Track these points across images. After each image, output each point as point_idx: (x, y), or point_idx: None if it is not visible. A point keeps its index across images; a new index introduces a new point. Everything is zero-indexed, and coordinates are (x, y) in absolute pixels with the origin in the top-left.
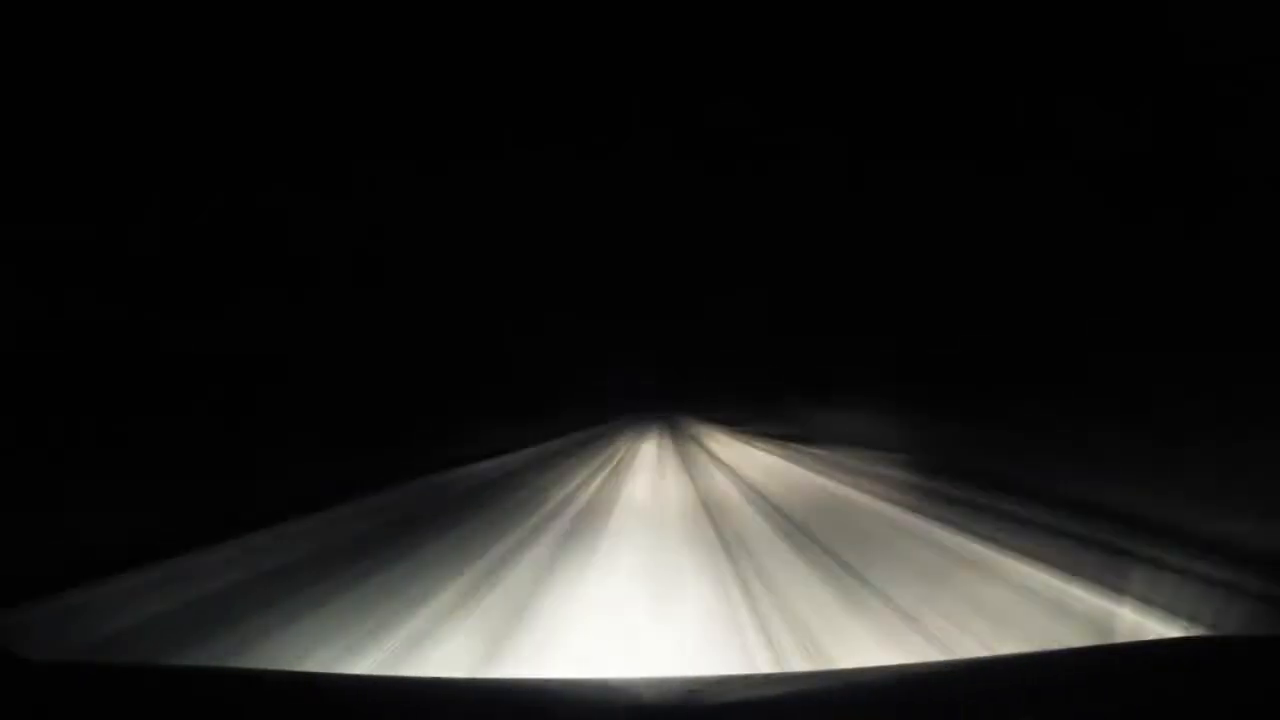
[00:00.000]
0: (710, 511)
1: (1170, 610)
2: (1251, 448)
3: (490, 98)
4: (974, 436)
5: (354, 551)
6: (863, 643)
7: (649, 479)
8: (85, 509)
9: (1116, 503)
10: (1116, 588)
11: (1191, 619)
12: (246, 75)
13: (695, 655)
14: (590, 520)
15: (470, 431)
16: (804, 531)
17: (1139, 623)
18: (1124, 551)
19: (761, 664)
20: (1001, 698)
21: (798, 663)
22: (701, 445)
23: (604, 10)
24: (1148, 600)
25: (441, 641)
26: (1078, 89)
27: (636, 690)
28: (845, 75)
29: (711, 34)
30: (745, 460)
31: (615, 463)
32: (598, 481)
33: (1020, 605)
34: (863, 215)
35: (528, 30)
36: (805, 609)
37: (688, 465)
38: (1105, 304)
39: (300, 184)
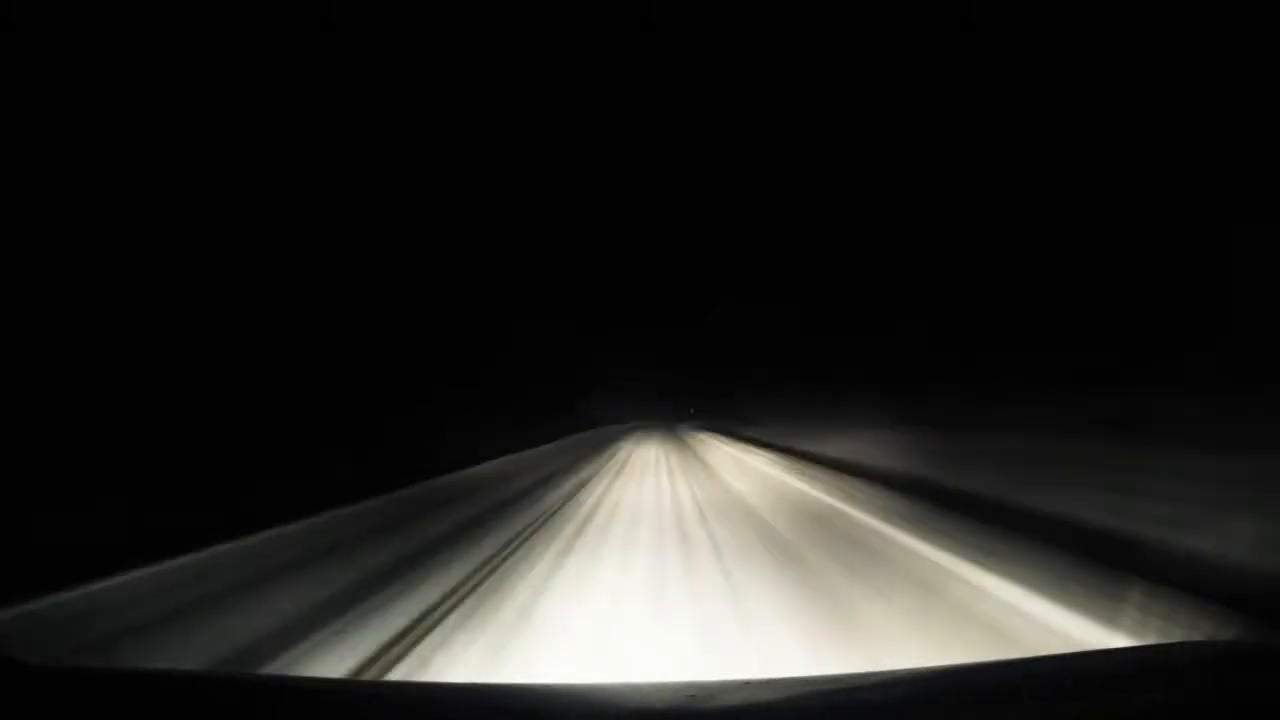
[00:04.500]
0: None
1: (1170, 617)
2: (1249, 456)
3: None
4: (961, 451)
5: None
6: None
7: None
8: (81, 509)
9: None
10: (1117, 595)
11: (1192, 625)
12: (246, 82)
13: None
14: None
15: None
16: None
17: (1140, 627)
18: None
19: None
20: (1002, 701)
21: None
22: None
23: (611, 24)
24: (1148, 607)
25: None
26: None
27: (636, 694)
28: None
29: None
30: None
31: None
32: None
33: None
34: (863, 220)
35: (535, 43)
36: None
37: None
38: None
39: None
